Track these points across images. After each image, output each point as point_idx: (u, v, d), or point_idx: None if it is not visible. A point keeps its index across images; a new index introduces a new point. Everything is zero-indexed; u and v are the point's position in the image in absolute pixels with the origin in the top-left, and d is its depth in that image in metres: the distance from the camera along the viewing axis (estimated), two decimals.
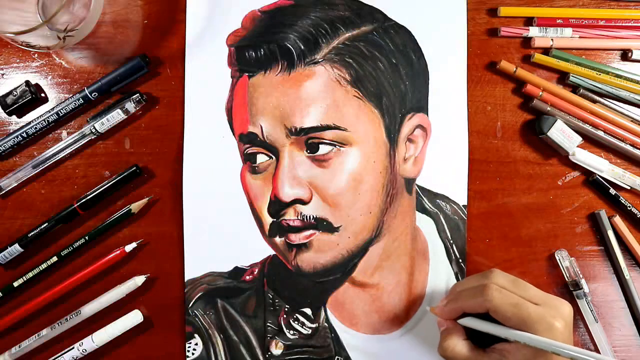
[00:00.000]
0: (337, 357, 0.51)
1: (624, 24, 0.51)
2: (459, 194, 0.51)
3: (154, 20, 0.50)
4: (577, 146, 0.50)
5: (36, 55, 0.49)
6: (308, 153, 0.49)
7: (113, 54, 0.49)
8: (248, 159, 0.50)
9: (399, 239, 0.51)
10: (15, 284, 0.49)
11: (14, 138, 0.48)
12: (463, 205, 0.51)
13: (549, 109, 0.50)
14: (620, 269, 0.51)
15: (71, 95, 0.49)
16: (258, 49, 0.49)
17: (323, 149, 0.49)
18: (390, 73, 0.50)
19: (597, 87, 0.51)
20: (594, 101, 0.51)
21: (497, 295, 0.41)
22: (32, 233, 0.48)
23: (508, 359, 0.41)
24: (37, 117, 0.48)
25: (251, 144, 0.49)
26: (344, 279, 0.50)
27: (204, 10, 0.50)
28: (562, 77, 0.51)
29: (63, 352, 0.49)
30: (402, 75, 0.50)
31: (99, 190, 0.49)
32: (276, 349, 0.51)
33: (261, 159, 0.49)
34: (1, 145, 0.48)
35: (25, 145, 0.49)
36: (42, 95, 0.50)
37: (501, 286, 0.42)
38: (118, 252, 0.49)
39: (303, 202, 0.49)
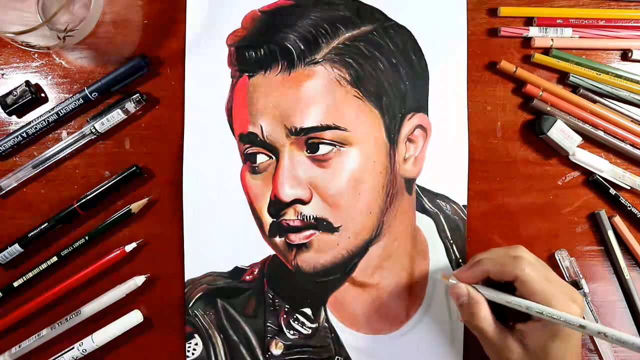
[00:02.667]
0: (337, 357, 0.51)
1: (624, 24, 0.51)
2: (459, 194, 0.51)
3: (154, 20, 0.50)
4: (577, 146, 0.50)
5: (36, 55, 0.49)
6: (308, 153, 0.49)
7: (113, 54, 0.49)
8: (248, 159, 0.50)
9: (399, 239, 0.51)
10: (15, 284, 0.49)
11: (14, 138, 0.48)
12: (463, 205, 0.51)
13: (549, 109, 0.50)
14: (620, 269, 0.51)
15: (71, 95, 0.49)
16: (258, 49, 0.49)
17: (323, 149, 0.49)
18: (390, 73, 0.50)
19: (597, 87, 0.51)
20: (594, 101, 0.51)
21: (530, 268, 0.42)
22: (32, 233, 0.48)
23: (526, 340, 0.42)
24: (37, 117, 0.48)
25: (251, 144, 0.49)
26: (344, 279, 0.50)
27: (204, 10, 0.50)
28: (562, 77, 0.51)
29: (63, 352, 0.49)
30: (402, 75, 0.50)
31: (99, 190, 0.49)
32: (276, 349, 0.51)
33: (261, 159, 0.49)
34: (1, 145, 0.48)
35: (25, 145, 0.49)
36: (42, 95, 0.50)
37: (531, 262, 0.43)
38: (118, 252, 0.49)
39: (303, 202, 0.49)
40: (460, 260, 0.51)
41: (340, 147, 0.49)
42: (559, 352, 0.41)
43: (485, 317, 0.43)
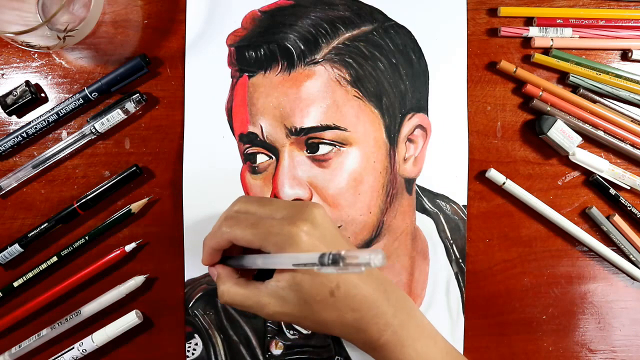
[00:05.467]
0: (337, 357, 0.51)
1: (624, 24, 0.51)
2: (459, 194, 0.51)
3: (154, 20, 0.50)
4: (577, 146, 0.50)
5: (36, 55, 0.49)
6: (308, 153, 0.49)
7: (113, 54, 0.49)
8: (248, 159, 0.50)
9: (399, 239, 0.51)
10: (15, 284, 0.49)
11: (14, 138, 0.48)
12: (463, 205, 0.51)
13: (549, 109, 0.50)
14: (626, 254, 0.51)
15: (71, 95, 0.49)
16: (258, 49, 0.49)
17: (323, 149, 0.49)
18: (390, 73, 0.50)
19: (597, 87, 0.51)
20: (594, 101, 0.51)
21: (232, 223, 0.38)
22: (32, 233, 0.48)
23: (280, 282, 0.38)
24: (37, 117, 0.48)
25: (251, 144, 0.49)
26: None
27: (204, 10, 0.50)
28: (562, 77, 0.51)
29: (63, 352, 0.49)
30: (402, 75, 0.50)
31: (99, 190, 0.49)
32: (276, 349, 0.51)
33: (261, 159, 0.49)
34: (1, 145, 0.48)
35: (25, 145, 0.49)
36: (42, 95, 0.50)
37: (242, 212, 0.39)
38: (118, 252, 0.49)
39: None
40: (460, 261, 0.51)
41: (340, 147, 0.49)
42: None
43: (229, 290, 0.39)
